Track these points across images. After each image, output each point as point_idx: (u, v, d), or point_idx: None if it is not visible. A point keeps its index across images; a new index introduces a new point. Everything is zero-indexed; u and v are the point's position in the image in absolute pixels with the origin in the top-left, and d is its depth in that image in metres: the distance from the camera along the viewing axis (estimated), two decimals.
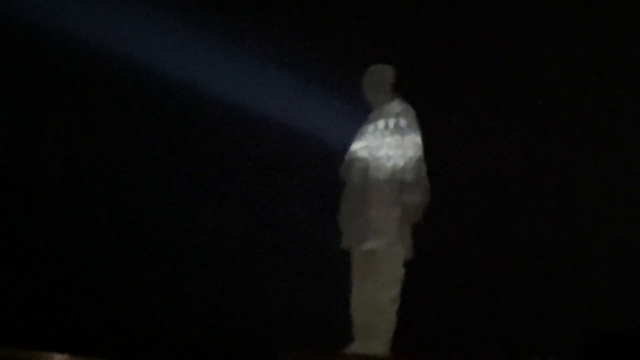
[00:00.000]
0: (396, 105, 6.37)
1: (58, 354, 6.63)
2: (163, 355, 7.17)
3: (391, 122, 6.29)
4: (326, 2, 7.93)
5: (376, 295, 6.15)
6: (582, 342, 7.28)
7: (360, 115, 6.50)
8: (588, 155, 7.69)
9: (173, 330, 7.54)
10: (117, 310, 7.64)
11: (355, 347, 6.17)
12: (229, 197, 7.87)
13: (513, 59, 7.69)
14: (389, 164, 6.24)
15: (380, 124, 6.32)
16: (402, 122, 6.28)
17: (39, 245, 7.80)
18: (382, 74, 6.44)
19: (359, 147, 6.36)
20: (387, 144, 6.25)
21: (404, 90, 6.46)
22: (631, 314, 7.26)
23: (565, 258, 7.62)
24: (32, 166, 7.86)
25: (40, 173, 7.90)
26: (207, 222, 7.87)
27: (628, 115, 7.64)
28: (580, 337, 7.34)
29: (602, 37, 7.64)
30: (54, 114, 7.97)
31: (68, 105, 7.94)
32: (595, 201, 7.65)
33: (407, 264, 6.23)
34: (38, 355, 6.65)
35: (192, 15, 7.69)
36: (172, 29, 7.75)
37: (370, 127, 6.36)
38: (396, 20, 7.83)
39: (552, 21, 7.68)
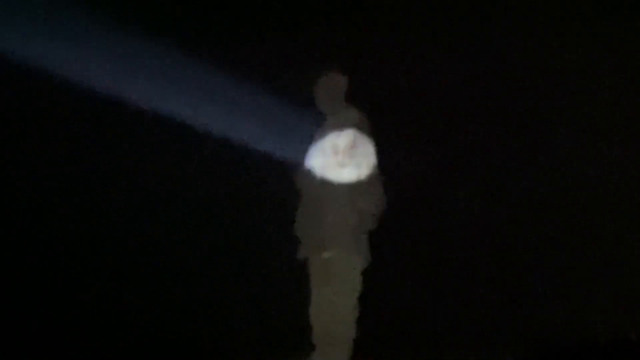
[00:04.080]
0: (350, 114, 6.40)
1: None
2: None
3: (345, 131, 6.31)
4: (277, 9, 7.94)
5: (335, 304, 6.16)
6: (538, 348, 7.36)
7: (314, 124, 6.51)
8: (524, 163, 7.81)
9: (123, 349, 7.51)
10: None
11: (315, 356, 6.18)
12: (188, 210, 7.85)
13: (467, 67, 7.76)
14: (344, 172, 6.26)
15: (334, 132, 6.34)
16: (356, 130, 6.31)
17: None
18: (335, 82, 6.46)
19: (314, 156, 6.37)
20: (342, 153, 6.27)
21: (357, 99, 6.48)
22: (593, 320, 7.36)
23: (522, 264, 7.71)
24: None
25: None
26: (160, 232, 7.83)
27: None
28: (536, 342, 7.42)
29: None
30: None
31: None
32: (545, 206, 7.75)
33: (365, 272, 6.26)
34: None
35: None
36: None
37: (324, 136, 6.37)
38: (350, 29, 7.87)
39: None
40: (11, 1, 7.60)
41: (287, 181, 6.48)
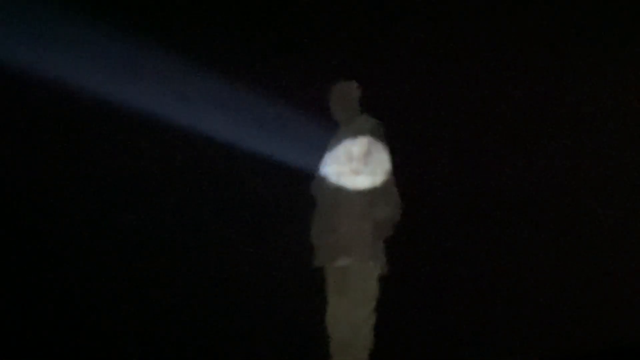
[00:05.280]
0: (364, 121, 6.39)
1: None
2: None
3: (359, 138, 6.31)
4: (289, 20, 7.96)
5: (351, 312, 6.16)
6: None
7: (328, 132, 6.52)
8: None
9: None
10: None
11: None
12: (202, 218, 7.87)
13: (481, 74, 7.77)
14: (359, 179, 6.26)
15: (349, 140, 6.33)
16: (370, 137, 6.30)
17: None
18: (348, 90, 6.46)
19: (329, 163, 6.37)
20: (356, 160, 6.27)
21: (371, 106, 6.48)
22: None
23: (535, 275, 7.70)
24: None
25: None
26: (173, 241, 7.85)
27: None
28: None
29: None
30: None
31: None
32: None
33: (381, 280, 6.25)
34: None
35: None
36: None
37: (338, 144, 6.37)
38: (361, 37, 7.88)
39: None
40: (10, 5, 7.63)
41: (302, 189, 6.48)
